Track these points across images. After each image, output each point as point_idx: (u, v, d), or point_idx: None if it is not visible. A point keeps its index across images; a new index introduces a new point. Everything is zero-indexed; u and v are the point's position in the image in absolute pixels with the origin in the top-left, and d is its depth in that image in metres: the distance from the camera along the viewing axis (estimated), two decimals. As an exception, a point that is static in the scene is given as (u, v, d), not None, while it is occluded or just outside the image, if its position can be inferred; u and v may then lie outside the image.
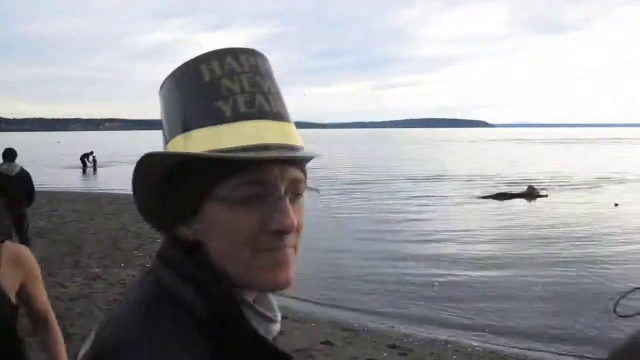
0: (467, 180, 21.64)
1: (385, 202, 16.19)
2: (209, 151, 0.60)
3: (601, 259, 8.86)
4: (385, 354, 5.04)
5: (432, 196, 17.30)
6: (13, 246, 1.90)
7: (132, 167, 0.63)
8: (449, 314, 6.44)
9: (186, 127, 0.63)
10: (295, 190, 0.65)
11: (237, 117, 0.62)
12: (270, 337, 0.64)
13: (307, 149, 0.67)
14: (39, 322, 1.96)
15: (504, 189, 18.27)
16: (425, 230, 11.62)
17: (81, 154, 31.50)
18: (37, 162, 28.73)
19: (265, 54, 0.69)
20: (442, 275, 8.07)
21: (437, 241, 10.48)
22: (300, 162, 0.66)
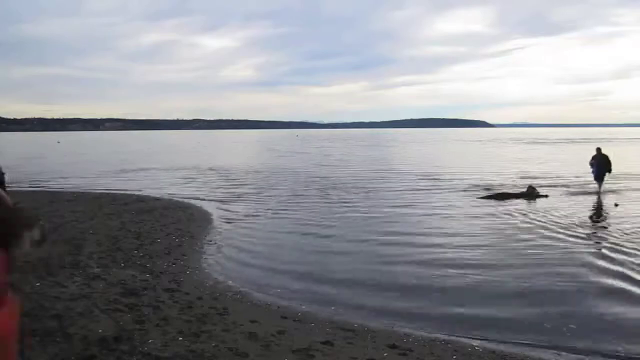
0: (467, 180, 21.63)
1: (385, 202, 16.20)
2: None
3: (601, 259, 8.86)
4: (385, 354, 5.04)
5: (433, 196, 17.32)
6: None
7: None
8: (449, 314, 6.44)
9: None
10: None
11: None
12: None
13: None
14: None
15: (503, 189, 18.29)
16: (425, 231, 11.62)
17: None
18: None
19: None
20: (442, 276, 8.07)
21: (437, 242, 10.48)
22: None
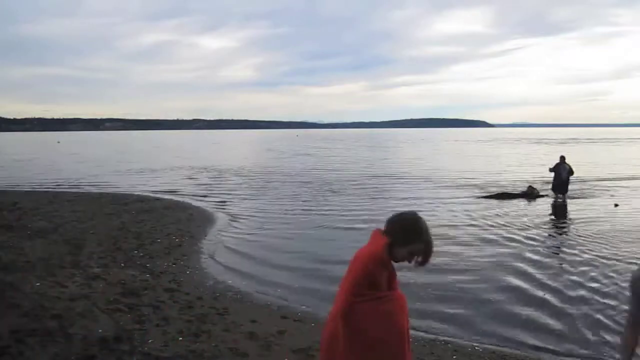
0: (467, 180, 21.63)
1: (384, 201, 16.19)
2: None
3: (601, 258, 8.85)
4: (385, 354, 5.03)
5: (433, 196, 17.31)
6: None
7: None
8: (449, 314, 6.44)
9: None
10: None
11: None
12: None
13: None
14: None
15: (504, 188, 18.29)
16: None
17: None
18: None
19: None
20: (442, 276, 8.07)
21: (436, 241, 10.46)
22: None
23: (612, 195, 16.71)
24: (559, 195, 16.21)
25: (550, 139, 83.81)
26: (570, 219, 12.99)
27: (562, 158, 16.52)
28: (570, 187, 16.45)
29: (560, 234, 11.24)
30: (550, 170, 16.59)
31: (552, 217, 13.46)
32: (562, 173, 16.17)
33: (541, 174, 23.13)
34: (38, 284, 6.61)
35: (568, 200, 15.83)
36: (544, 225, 12.16)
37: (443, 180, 22.14)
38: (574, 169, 16.40)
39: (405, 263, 2.60)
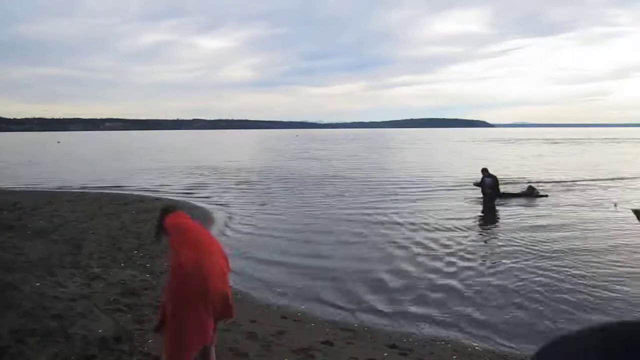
0: (468, 180, 21.61)
1: (384, 202, 16.19)
2: None
3: (601, 258, 8.86)
4: (385, 354, 5.04)
5: (433, 196, 17.31)
6: None
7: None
8: (449, 314, 6.44)
9: None
10: None
11: None
12: None
13: None
14: None
15: (504, 189, 18.26)
16: (424, 230, 11.62)
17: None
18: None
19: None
20: (442, 276, 8.07)
21: (437, 241, 10.47)
22: None
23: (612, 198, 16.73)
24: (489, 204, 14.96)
25: (551, 139, 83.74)
26: (500, 221, 12.95)
27: (485, 171, 15.52)
28: (568, 186, 16.39)
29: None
30: (476, 184, 15.80)
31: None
32: (484, 188, 15.36)
33: (546, 172, 23.15)
34: (38, 284, 6.60)
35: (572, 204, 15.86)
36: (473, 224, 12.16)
37: (445, 181, 22.12)
38: (497, 179, 15.53)
39: None
